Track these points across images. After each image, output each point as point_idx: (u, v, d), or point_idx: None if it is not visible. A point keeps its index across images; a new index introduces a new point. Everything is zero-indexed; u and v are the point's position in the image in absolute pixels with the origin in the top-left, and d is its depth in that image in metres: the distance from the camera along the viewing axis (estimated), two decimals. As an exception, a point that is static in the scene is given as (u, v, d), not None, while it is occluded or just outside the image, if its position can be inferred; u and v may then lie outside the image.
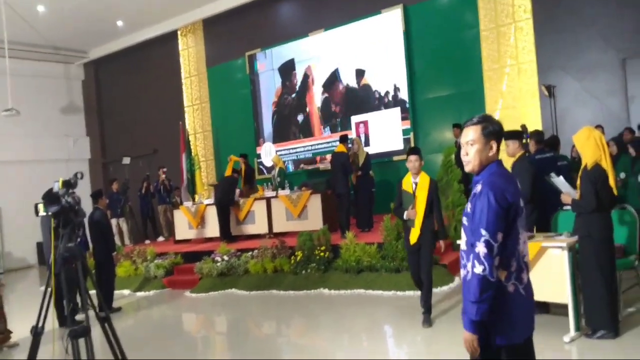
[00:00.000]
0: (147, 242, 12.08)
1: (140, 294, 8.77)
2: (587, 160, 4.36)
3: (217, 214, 9.80)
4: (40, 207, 3.39)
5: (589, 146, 4.35)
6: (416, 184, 5.17)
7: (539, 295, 4.29)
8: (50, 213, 3.45)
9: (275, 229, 9.59)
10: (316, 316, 6.32)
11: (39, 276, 12.64)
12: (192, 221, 10.53)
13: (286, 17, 12.78)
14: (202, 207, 10.42)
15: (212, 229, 10.24)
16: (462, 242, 2.31)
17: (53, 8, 12.28)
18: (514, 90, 9.53)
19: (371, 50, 11.25)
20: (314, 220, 9.05)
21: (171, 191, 12.15)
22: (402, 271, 6.80)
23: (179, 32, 14.24)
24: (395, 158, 10.80)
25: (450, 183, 7.80)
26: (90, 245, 7.53)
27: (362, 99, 11.47)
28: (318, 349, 5.17)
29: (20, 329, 5.81)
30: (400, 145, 10.81)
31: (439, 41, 10.36)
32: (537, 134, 6.40)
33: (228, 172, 10.27)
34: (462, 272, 2.28)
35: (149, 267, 9.14)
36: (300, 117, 12.48)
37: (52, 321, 3.68)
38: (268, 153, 12.25)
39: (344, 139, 9.00)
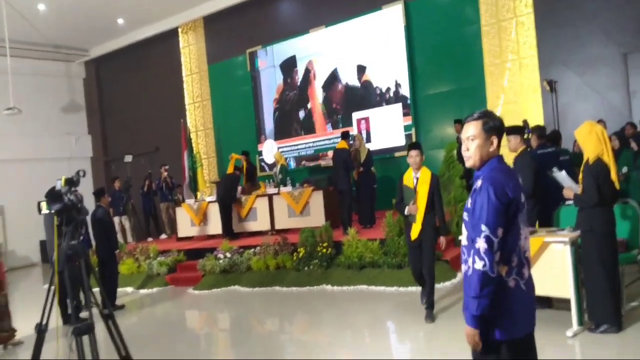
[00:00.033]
0: (150, 239, 12.12)
1: (143, 291, 8.79)
2: (589, 154, 4.35)
3: (220, 211, 9.82)
4: (43, 205, 3.41)
5: (590, 141, 4.35)
6: (417, 179, 5.15)
7: (541, 290, 4.31)
8: (53, 211, 3.47)
9: (278, 226, 9.60)
10: (319, 312, 6.34)
11: (42, 274, 12.69)
12: (194, 218, 10.55)
13: (287, 13, 12.76)
14: (204, 205, 10.43)
15: (215, 226, 10.26)
16: (463, 238, 2.32)
17: (53, 6, 12.28)
18: (515, 86, 9.51)
19: (372, 47, 11.23)
20: (316, 216, 9.06)
21: (173, 189, 12.17)
22: (405, 267, 6.80)
23: (179, 30, 14.24)
24: (397, 154, 10.80)
25: (452, 179, 7.79)
26: (93, 243, 7.55)
27: (362, 96, 11.46)
28: (321, 345, 5.19)
29: (24, 327, 5.85)
30: (402, 141, 10.80)
31: (439, 37, 10.34)
32: (538, 129, 6.40)
33: (230, 170, 10.29)
34: (464, 267, 2.28)
35: (152, 264, 9.16)
36: (301, 113, 12.47)
37: (55, 319, 3.70)
38: (270, 150, 12.26)
39: (345, 136, 8.99)
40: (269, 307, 6.91)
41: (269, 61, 12.95)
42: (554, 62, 9.21)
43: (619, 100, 8.79)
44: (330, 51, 11.87)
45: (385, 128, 11.13)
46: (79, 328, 3.22)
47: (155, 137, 14.71)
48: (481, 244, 2.16)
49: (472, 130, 2.32)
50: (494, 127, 2.31)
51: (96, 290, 3.69)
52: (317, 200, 9.18)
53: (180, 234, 10.87)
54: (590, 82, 8.98)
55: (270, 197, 9.71)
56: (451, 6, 10.25)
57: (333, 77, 11.90)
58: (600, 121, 7.34)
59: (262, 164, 12.93)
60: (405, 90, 10.82)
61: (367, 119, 11.41)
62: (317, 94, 12.18)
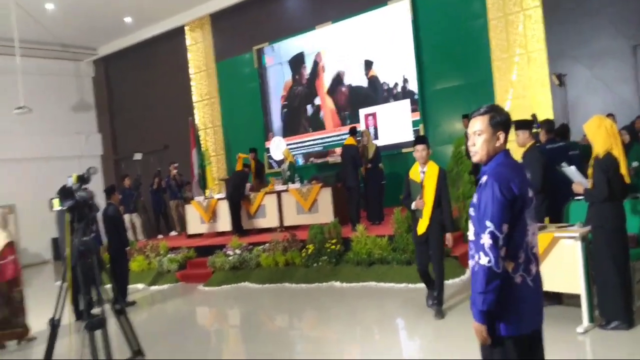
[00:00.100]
0: (160, 236, 12.20)
1: (154, 287, 8.87)
2: (598, 149, 4.32)
3: (229, 208, 9.87)
4: (55, 202, 3.44)
5: (599, 135, 4.32)
6: (424, 173, 5.12)
7: (551, 286, 4.32)
8: (65, 207, 3.52)
9: (286, 223, 9.63)
10: (328, 309, 6.36)
11: (54, 271, 12.83)
12: (203, 216, 10.61)
13: (293, 10, 12.76)
14: (213, 202, 10.49)
15: (224, 223, 10.31)
16: (471, 233, 2.31)
17: (61, 5, 12.37)
18: (523, 80, 9.44)
19: (379, 42, 11.20)
20: (325, 213, 9.07)
21: (182, 186, 12.24)
22: (414, 263, 6.77)
23: (187, 28, 14.27)
24: (405, 150, 10.77)
25: (460, 174, 7.76)
26: (104, 239, 7.62)
27: (369, 93, 11.44)
28: (330, 342, 5.21)
29: (36, 323, 5.92)
30: (410, 137, 10.76)
31: (446, 31, 10.29)
32: (547, 123, 6.35)
33: (239, 167, 10.34)
34: (471, 262, 2.28)
35: (162, 261, 9.24)
36: (310, 109, 12.47)
37: (68, 315, 3.75)
38: (277, 147, 12.28)
39: (353, 132, 9.00)
40: (279, 304, 6.94)
41: (276, 58, 12.96)
42: (563, 56, 9.13)
43: (628, 94, 8.71)
44: (336, 47, 11.85)
45: (393, 124, 11.11)
46: (92, 322, 3.27)
47: (164, 135, 14.79)
48: (486, 239, 2.16)
49: (478, 125, 2.32)
50: (500, 121, 2.30)
51: (108, 286, 3.73)
52: (325, 197, 9.19)
53: (190, 231, 10.93)
54: (599, 75, 8.90)
55: (278, 194, 9.74)
56: (458, 0, 10.20)
57: (336, 82, 11.89)
58: (610, 115, 7.29)
59: (270, 161, 12.96)
60: (412, 86, 10.79)
61: (374, 115, 11.40)
62: (326, 86, 12.15)
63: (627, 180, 4.29)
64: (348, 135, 9.02)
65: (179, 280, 8.95)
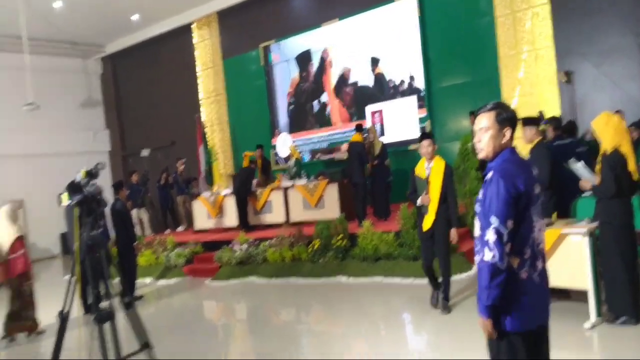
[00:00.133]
0: (167, 231, 12.27)
1: (161, 282, 8.95)
2: (606, 145, 4.32)
3: (236, 203, 9.92)
4: (63, 197, 3.47)
5: (607, 131, 4.32)
6: (430, 169, 5.11)
7: (559, 282, 4.32)
8: (73, 202, 3.56)
9: (293, 219, 9.66)
10: (334, 304, 6.39)
11: (62, 266, 12.94)
12: (210, 211, 10.67)
13: (299, 7, 12.75)
14: (220, 198, 10.54)
15: (230, 218, 10.36)
16: (476, 229, 2.32)
17: (69, 3, 12.42)
18: (531, 77, 9.39)
19: (386, 39, 11.18)
20: (331, 209, 9.09)
21: (189, 182, 12.30)
22: (420, 259, 6.80)
23: (194, 25, 14.30)
24: (412, 147, 10.75)
25: (467, 171, 7.75)
26: (112, 234, 7.69)
27: (374, 91, 11.42)
28: (336, 336, 5.24)
29: (45, 317, 5.99)
30: (416, 134, 10.70)
31: (453, 28, 10.24)
32: (554, 120, 6.34)
33: (245, 164, 10.39)
34: (477, 258, 2.29)
35: (170, 256, 9.30)
36: (316, 105, 12.47)
37: (77, 307, 3.80)
38: (284, 143, 12.30)
39: (359, 128, 9.00)
40: (285, 298, 6.98)
41: (282, 55, 12.96)
42: (570, 53, 9.07)
43: (636, 91, 8.65)
44: (343, 44, 11.84)
45: (400, 120, 11.09)
46: (101, 315, 3.31)
47: (170, 132, 14.85)
48: (490, 235, 2.17)
49: (485, 121, 2.33)
50: (507, 118, 2.31)
51: (115, 280, 3.77)
52: (331, 193, 9.21)
53: (197, 227, 10.99)
54: (607, 72, 8.84)
55: (285, 190, 9.77)
56: (465, -3, 10.16)
57: (344, 78, 11.87)
58: (618, 111, 7.24)
59: (276, 157, 12.99)
60: (419, 83, 10.76)
61: (380, 112, 11.38)
62: (333, 81, 12.14)
63: (636, 176, 4.28)
64: (354, 132, 9.03)
65: (186, 274, 9.01)
